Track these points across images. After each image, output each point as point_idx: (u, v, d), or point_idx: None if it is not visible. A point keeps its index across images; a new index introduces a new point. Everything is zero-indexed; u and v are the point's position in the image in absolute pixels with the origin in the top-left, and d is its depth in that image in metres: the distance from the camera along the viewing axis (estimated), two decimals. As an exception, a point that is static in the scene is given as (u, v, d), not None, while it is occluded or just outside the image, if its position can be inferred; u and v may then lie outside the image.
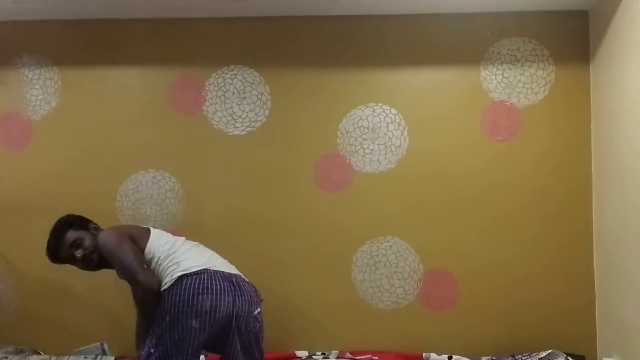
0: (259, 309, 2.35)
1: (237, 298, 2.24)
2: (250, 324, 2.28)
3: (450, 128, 2.95)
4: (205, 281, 2.20)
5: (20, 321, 3.04)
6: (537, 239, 2.90)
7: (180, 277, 2.20)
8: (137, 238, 2.36)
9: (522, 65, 2.93)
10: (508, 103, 2.93)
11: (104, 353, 2.95)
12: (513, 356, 2.75)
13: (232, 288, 2.25)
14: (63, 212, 2.94)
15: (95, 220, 2.94)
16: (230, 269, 2.37)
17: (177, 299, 2.16)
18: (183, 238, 2.47)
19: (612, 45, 2.64)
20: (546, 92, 2.92)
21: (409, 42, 2.99)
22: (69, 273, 2.92)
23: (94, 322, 3.00)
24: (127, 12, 2.97)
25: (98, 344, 2.97)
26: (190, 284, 2.18)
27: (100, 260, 2.40)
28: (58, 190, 3.02)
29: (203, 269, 2.24)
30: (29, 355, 2.89)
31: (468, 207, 2.93)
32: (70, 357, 2.88)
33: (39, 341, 3.00)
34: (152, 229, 2.47)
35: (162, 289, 2.21)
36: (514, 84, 2.93)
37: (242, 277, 2.38)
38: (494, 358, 2.78)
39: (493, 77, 2.94)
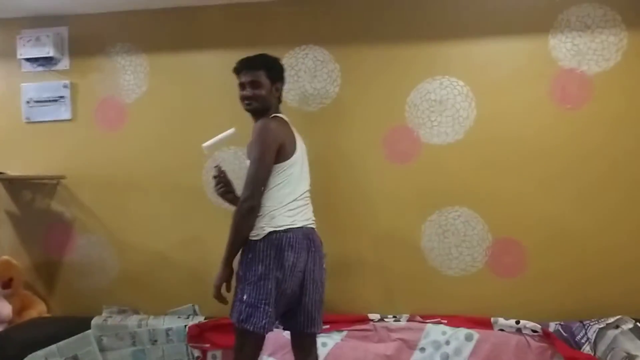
0: (324, 261, 2.58)
1: (310, 254, 2.46)
2: (321, 275, 2.53)
3: (518, 98, 3.06)
4: (290, 238, 2.42)
5: (121, 285, 3.44)
6: (608, 208, 2.99)
7: (270, 233, 2.43)
8: (283, 154, 2.48)
9: (593, 32, 2.99)
10: (578, 71, 3.00)
11: (195, 313, 3.28)
12: (581, 321, 2.88)
13: (308, 244, 2.46)
14: (155, 186, 3.38)
15: (182, 194, 3.35)
16: (310, 221, 2.54)
17: (267, 253, 2.41)
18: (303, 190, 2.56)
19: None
20: (618, 59, 2.97)
21: (475, 12, 3.10)
22: (164, 241, 3.37)
23: (186, 285, 3.34)
24: (205, -1, 3.28)
25: (190, 305, 3.30)
26: (278, 240, 2.41)
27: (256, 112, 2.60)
28: (150, 166, 3.39)
29: (289, 228, 2.44)
30: (130, 315, 3.29)
31: (536, 177, 3.05)
32: (166, 317, 3.23)
33: (138, 302, 3.39)
34: (298, 156, 2.53)
35: (252, 238, 2.44)
36: (584, 51, 3.00)
37: (314, 227, 2.57)
38: (562, 323, 2.92)
39: (562, 45, 3.02)
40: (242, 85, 2.58)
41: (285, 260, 2.39)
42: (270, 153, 2.41)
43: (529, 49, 3.05)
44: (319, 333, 2.62)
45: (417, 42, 3.15)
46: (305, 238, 2.46)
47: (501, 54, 3.09)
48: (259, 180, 2.40)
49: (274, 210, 2.44)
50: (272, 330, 2.43)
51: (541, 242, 3.05)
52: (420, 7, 3.15)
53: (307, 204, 2.56)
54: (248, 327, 2.37)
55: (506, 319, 2.97)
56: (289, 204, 2.46)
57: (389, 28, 3.17)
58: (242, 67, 2.59)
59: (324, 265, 2.56)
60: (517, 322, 2.94)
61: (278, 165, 2.45)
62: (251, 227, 2.43)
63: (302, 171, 2.55)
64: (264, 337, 2.48)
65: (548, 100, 3.03)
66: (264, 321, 2.37)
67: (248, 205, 2.38)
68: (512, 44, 3.07)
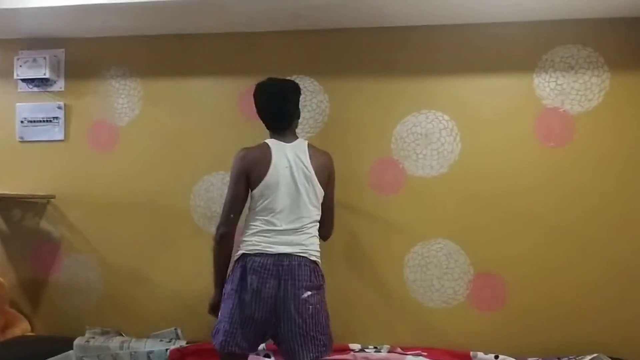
0: (309, 293, 2.46)
1: (281, 282, 2.45)
2: (297, 306, 2.44)
3: (503, 134, 3.14)
4: (255, 262, 2.47)
5: (106, 306, 3.46)
6: (590, 246, 3.05)
7: (242, 255, 2.52)
8: (252, 180, 2.57)
9: (576, 72, 3.08)
10: (561, 110, 3.09)
11: (177, 337, 3.31)
12: (559, 358, 2.92)
13: (278, 271, 2.45)
14: (143, 209, 3.44)
15: (170, 217, 3.40)
16: (292, 249, 2.51)
17: (235, 274, 2.50)
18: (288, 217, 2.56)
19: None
20: (600, 99, 3.06)
21: (462, 50, 3.19)
22: (150, 264, 3.41)
23: (170, 309, 3.37)
24: (200, 28, 3.36)
25: (173, 328, 3.33)
26: (245, 263, 2.49)
27: None
28: (140, 189, 3.44)
29: (260, 252, 2.48)
30: (113, 337, 3.30)
31: (519, 213, 3.11)
32: (148, 340, 3.24)
33: (122, 324, 3.41)
34: (271, 181, 2.55)
35: (233, 259, 2.58)
36: (567, 90, 3.09)
37: (301, 256, 2.50)
38: (540, 359, 2.95)
39: (546, 84, 3.11)
40: None
41: (249, 284, 2.45)
42: (235, 181, 2.57)
43: (514, 87, 3.14)
44: None
45: (406, 77, 3.24)
46: (275, 265, 2.47)
47: (487, 91, 3.18)
48: (228, 209, 2.57)
49: (249, 233, 2.55)
50: (233, 351, 2.47)
51: (522, 277, 3.10)
52: (410, 43, 3.24)
53: (296, 229, 2.53)
54: (213, 343, 2.52)
55: (485, 353, 3.00)
56: (265, 229, 2.53)
57: (378, 62, 3.27)
58: None
59: (305, 297, 2.45)
60: (496, 357, 2.98)
61: (253, 191, 2.58)
62: (226, 252, 2.57)
63: (290, 198, 2.54)
64: (233, 356, 2.52)
65: (531, 137, 3.11)
66: (221, 339, 2.46)
67: (219, 233, 2.57)
68: (498, 81, 3.16)
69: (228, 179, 2.56)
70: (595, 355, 2.84)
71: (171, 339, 3.28)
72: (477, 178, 3.15)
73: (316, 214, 2.61)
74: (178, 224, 3.40)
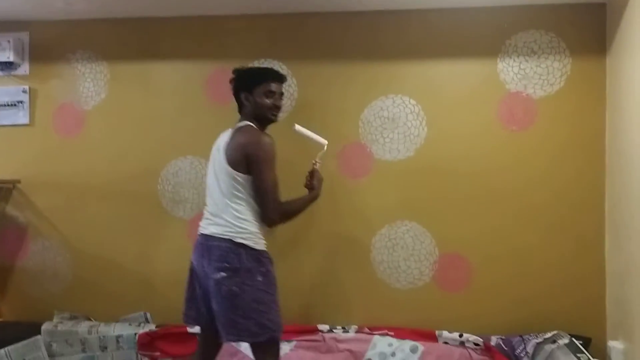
0: (222, 274, 2.46)
1: (203, 261, 2.54)
2: (211, 287, 2.49)
3: (468, 118, 3.20)
4: (197, 240, 2.62)
5: (74, 291, 3.48)
6: (550, 226, 3.14)
7: None
8: None
9: (539, 57, 3.15)
10: (524, 94, 3.16)
11: (146, 321, 3.36)
12: (521, 336, 3.02)
13: (201, 251, 2.56)
14: (110, 194, 3.44)
15: (138, 202, 3.41)
16: (210, 228, 2.56)
17: None
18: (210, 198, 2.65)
19: (629, 37, 2.78)
20: (562, 84, 3.13)
21: (428, 35, 3.24)
22: (119, 248, 3.42)
23: (138, 293, 3.41)
24: (166, 10, 3.35)
25: (142, 312, 3.38)
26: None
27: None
28: (106, 173, 3.45)
29: (199, 232, 2.62)
30: (81, 321, 3.33)
31: (483, 195, 3.18)
32: (117, 324, 3.28)
33: (90, 309, 3.44)
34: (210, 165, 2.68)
35: None
36: (530, 75, 3.16)
37: (216, 237, 2.51)
38: (502, 337, 3.05)
39: (510, 68, 3.17)
40: (272, 93, 2.65)
41: (192, 261, 2.65)
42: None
43: (479, 72, 3.20)
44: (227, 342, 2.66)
45: (373, 61, 3.28)
46: (201, 244, 2.58)
47: (452, 75, 3.24)
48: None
49: None
50: (189, 323, 2.77)
51: (486, 258, 3.18)
52: (376, 28, 3.28)
53: (216, 211, 2.56)
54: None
55: (450, 332, 3.10)
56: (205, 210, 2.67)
57: (345, 47, 3.30)
58: (277, 77, 2.70)
59: (218, 277, 2.46)
60: (461, 336, 3.07)
61: None
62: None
63: (211, 180, 2.64)
64: (201, 331, 2.72)
65: (495, 121, 3.18)
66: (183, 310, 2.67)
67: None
68: (463, 65, 3.22)
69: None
70: (555, 332, 2.94)
71: (140, 323, 3.32)
72: (443, 161, 3.22)
73: (235, 196, 2.52)
74: (146, 208, 3.41)
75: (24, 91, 3.52)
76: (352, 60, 3.29)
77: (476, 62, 3.20)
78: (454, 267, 3.21)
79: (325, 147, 2.88)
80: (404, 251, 3.26)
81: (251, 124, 2.61)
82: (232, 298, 2.45)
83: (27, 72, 3.54)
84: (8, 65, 3.52)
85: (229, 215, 2.51)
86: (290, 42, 3.34)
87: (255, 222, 2.53)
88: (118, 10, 3.37)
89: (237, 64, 3.27)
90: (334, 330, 3.19)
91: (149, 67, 3.45)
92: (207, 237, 2.56)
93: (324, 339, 3.16)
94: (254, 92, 2.62)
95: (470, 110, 3.20)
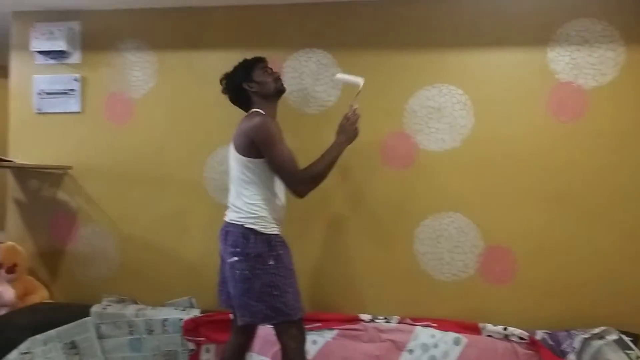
0: (235, 258, 2.59)
1: (221, 245, 2.71)
2: (228, 271, 2.65)
3: (516, 108, 3.15)
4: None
5: (122, 275, 3.57)
6: (599, 219, 3.07)
7: None
8: None
9: (591, 46, 3.07)
10: (575, 84, 3.09)
11: (191, 306, 3.42)
12: (567, 331, 2.97)
13: (221, 235, 2.71)
14: (157, 180, 3.51)
15: (184, 189, 3.47)
16: (228, 214, 2.71)
17: None
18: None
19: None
20: (615, 74, 3.05)
21: (478, 23, 3.19)
22: (165, 234, 3.49)
23: (184, 278, 3.47)
24: (214, 0, 3.39)
25: (187, 297, 3.45)
26: None
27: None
28: (154, 160, 3.52)
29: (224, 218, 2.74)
30: (128, 305, 3.42)
31: (530, 186, 3.13)
32: (163, 308, 3.36)
33: (137, 293, 3.52)
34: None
35: None
36: (582, 65, 3.08)
37: (230, 222, 2.66)
38: (548, 331, 3.01)
39: (560, 58, 3.10)
40: (271, 69, 2.81)
41: None
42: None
43: (528, 61, 3.14)
44: (242, 324, 2.67)
45: (419, 50, 3.25)
46: (221, 231, 2.72)
47: (500, 65, 3.18)
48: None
49: None
50: (222, 306, 2.82)
51: (531, 251, 3.14)
52: (424, 15, 3.25)
53: (231, 199, 2.73)
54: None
55: (494, 325, 3.06)
56: None
57: (391, 35, 3.28)
58: (261, 59, 2.84)
59: (232, 261, 2.60)
60: (505, 329, 3.03)
61: None
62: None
63: (229, 168, 2.78)
64: (233, 315, 2.79)
65: (544, 112, 3.12)
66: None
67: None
68: (512, 55, 3.16)
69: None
70: (604, 328, 2.88)
71: (185, 308, 3.39)
72: (489, 152, 3.18)
73: (244, 181, 2.63)
74: (192, 195, 3.47)
75: (76, 79, 3.61)
76: (398, 49, 3.27)
77: (525, 51, 3.14)
78: (499, 260, 3.17)
79: (362, 85, 2.84)
80: (448, 243, 3.23)
81: (257, 109, 2.71)
82: (244, 281, 2.57)
83: (79, 61, 3.62)
84: (60, 54, 3.62)
85: (240, 201, 2.64)
86: (335, 31, 3.33)
87: (264, 207, 2.62)
88: (166, 0, 3.42)
89: (282, 54, 3.36)
90: (376, 320, 3.19)
91: (196, 56, 3.49)
92: (226, 224, 2.69)
93: (365, 329, 3.17)
94: (254, 76, 2.75)
95: (518, 100, 3.14)
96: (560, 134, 3.10)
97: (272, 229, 2.62)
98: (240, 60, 2.83)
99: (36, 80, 3.66)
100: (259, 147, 2.57)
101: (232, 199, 2.70)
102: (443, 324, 3.12)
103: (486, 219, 3.19)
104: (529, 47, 3.13)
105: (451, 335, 3.06)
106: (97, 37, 3.60)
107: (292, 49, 3.37)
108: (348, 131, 2.77)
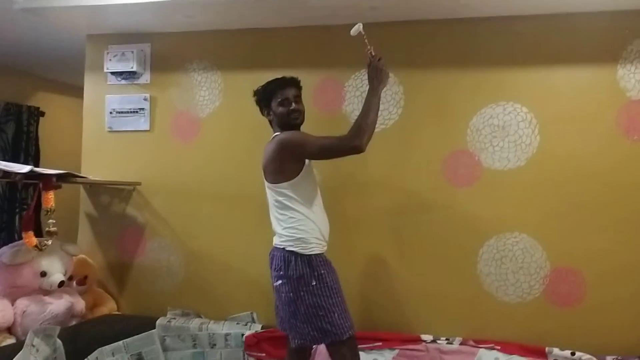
0: (280, 281, 2.64)
1: (270, 268, 2.74)
2: (275, 293, 2.72)
3: (583, 127, 3.08)
4: None
5: (186, 289, 3.66)
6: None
7: None
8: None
9: (664, 63, 2.98)
10: (647, 102, 3.00)
11: (253, 321, 3.46)
12: (639, 357, 2.85)
13: (269, 260, 2.75)
14: (221, 197, 3.59)
15: (247, 205, 3.53)
16: (274, 239, 2.75)
17: None
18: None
19: None
20: (688, 92, 2.94)
21: (541, 41, 3.15)
22: (228, 249, 3.56)
23: (247, 293, 3.52)
24: (277, 22, 3.48)
25: (249, 312, 3.49)
26: None
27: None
28: (219, 177, 3.61)
29: None
30: (192, 318, 3.48)
31: (599, 206, 3.05)
32: (226, 322, 3.40)
33: (200, 307, 3.59)
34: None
35: None
36: (654, 83, 2.99)
37: (275, 247, 2.72)
38: (619, 358, 2.89)
39: (631, 75, 3.03)
40: (286, 100, 2.75)
41: None
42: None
43: (596, 79, 3.08)
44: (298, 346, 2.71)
45: (482, 68, 3.23)
46: (269, 255, 2.77)
47: (567, 82, 3.13)
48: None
49: None
50: (279, 329, 2.82)
51: (601, 273, 3.04)
52: (486, 33, 3.24)
53: (272, 224, 2.77)
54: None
55: (561, 349, 2.97)
56: None
57: (453, 53, 3.28)
58: (289, 83, 2.80)
59: (277, 284, 2.67)
60: (573, 354, 2.93)
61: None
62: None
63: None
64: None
65: (614, 131, 3.04)
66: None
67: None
68: (579, 72, 3.11)
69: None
70: (679, 355, 2.77)
71: (247, 323, 3.42)
72: (556, 172, 3.11)
73: (278, 207, 2.68)
74: (254, 211, 3.48)
75: (145, 99, 3.76)
76: (460, 67, 3.26)
77: (593, 69, 3.08)
78: (566, 282, 3.09)
79: (361, 27, 2.74)
80: (513, 264, 3.17)
81: (278, 134, 2.74)
82: (290, 304, 2.61)
83: (149, 81, 3.77)
84: (131, 75, 3.77)
85: (279, 227, 2.69)
86: (397, 50, 3.33)
87: (301, 229, 2.64)
88: (233, 22, 3.52)
89: (344, 73, 3.39)
90: (438, 341, 3.14)
91: (260, 76, 3.47)
92: (272, 248, 2.75)
93: (427, 349, 3.12)
94: (272, 105, 2.78)
95: (586, 118, 3.08)
96: (630, 153, 3.01)
97: (313, 249, 2.63)
98: (271, 79, 2.85)
99: (108, 99, 3.82)
100: (296, 156, 2.64)
101: (273, 225, 2.75)
102: (507, 347, 3.05)
103: (553, 239, 3.12)
104: (597, 64, 3.07)
105: (516, 359, 2.99)
106: (166, 58, 3.74)
107: (354, 68, 3.40)
108: (378, 75, 2.68)
